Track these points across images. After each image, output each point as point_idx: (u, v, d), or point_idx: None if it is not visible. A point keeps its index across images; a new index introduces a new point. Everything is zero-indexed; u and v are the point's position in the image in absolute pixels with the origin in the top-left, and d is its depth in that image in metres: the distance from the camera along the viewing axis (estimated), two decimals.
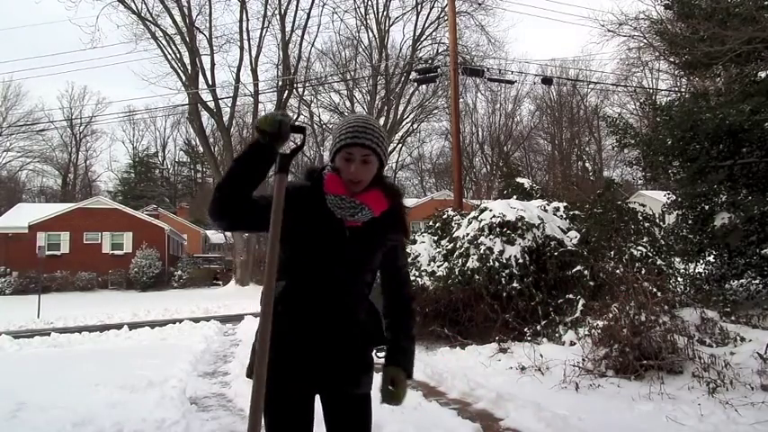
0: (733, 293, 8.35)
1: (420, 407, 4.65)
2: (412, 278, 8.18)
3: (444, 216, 10.04)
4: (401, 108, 31.73)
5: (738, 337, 5.38)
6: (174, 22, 25.60)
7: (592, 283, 7.26)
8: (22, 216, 28.83)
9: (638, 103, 29.89)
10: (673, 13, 10.01)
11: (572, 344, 6.17)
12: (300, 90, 29.77)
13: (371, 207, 1.82)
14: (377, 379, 1.91)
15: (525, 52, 66.20)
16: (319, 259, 1.83)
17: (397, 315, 1.98)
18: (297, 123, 1.79)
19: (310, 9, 27.70)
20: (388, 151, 1.89)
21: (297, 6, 27.54)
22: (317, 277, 1.82)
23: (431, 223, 10.27)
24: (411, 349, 1.96)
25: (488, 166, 41.07)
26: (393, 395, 1.88)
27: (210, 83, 26.49)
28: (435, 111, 34.17)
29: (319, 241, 1.82)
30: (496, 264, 7.54)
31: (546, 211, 8.54)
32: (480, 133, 41.19)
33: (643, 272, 6.70)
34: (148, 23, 25.38)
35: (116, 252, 29.13)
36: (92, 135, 50.56)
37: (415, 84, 27.45)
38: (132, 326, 11.52)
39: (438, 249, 9.14)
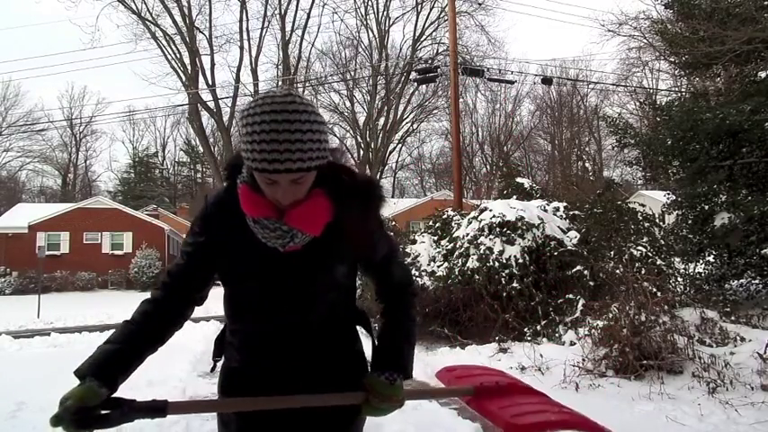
0: (733, 293, 8.34)
1: (420, 406, 4.65)
2: None
3: (444, 216, 10.05)
4: (401, 108, 31.75)
5: (738, 337, 5.39)
6: (174, 22, 25.62)
7: (592, 283, 7.27)
8: (22, 216, 28.81)
9: (638, 103, 29.93)
10: (673, 13, 10.02)
11: (572, 344, 6.17)
12: (300, 90, 29.77)
13: (305, 228, 1.36)
14: None
15: (525, 52, 66.30)
16: (256, 300, 1.45)
17: (388, 299, 1.58)
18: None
19: (310, 9, 27.78)
20: (326, 146, 1.31)
21: (297, 6, 27.62)
22: (258, 323, 1.47)
23: (431, 223, 10.27)
24: (403, 340, 1.52)
25: (488, 166, 41.10)
26: (372, 409, 1.43)
27: (210, 83, 26.51)
28: (435, 111, 34.19)
29: (250, 277, 1.44)
30: (496, 264, 7.54)
31: (546, 211, 8.54)
32: (480, 133, 41.26)
33: (643, 272, 6.71)
34: (148, 23, 25.39)
35: (116, 252, 29.11)
36: (92, 135, 50.61)
37: (415, 84, 27.46)
38: None
39: (438, 249, 9.14)
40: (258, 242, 1.38)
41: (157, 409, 1.31)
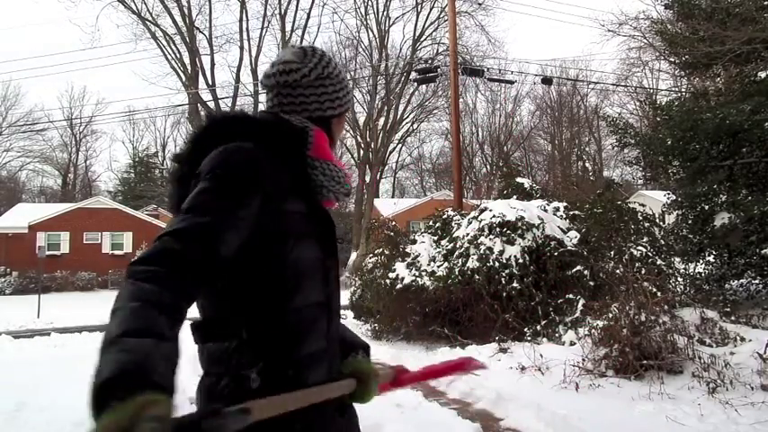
0: (733, 293, 8.35)
1: (420, 407, 4.65)
2: (411, 278, 8.24)
3: (444, 216, 10.04)
4: (401, 108, 31.72)
5: (738, 337, 5.39)
6: (174, 22, 25.60)
7: (592, 283, 7.27)
8: (22, 216, 28.81)
9: (638, 103, 29.97)
10: (673, 13, 10.04)
11: (572, 344, 6.17)
12: None
13: (349, 177, 1.33)
14: None
15: (525, 52, 66.20)
16: (316, 283, 1.16)
17: None
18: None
19: (310, 9, 27.74)
20: None
21: (297, 6, 27.57)
22: (321, 321, 1.17)
23: (431, 223, 10.26)
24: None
25: (488, 166, 41.08)
26: (368, 391, 1.27)
27: (210, 83, 26.50)
28: (435, 111, 34.19)
29: (314, 251, 1.16)
30: (496, 264, 7.54)
31: (546, 211, 8.53)
32: (480, 133, 41.24)
33: (643, 272, 6.70)
34: (148, 23, 25.38)
35: (116, 252, 29.10)
36: (92, 135, 50.52)
37: (415, 84, 27.45)
38: None
39: (438, 249, 9.13)
40: (312, 202, 1.19)
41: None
